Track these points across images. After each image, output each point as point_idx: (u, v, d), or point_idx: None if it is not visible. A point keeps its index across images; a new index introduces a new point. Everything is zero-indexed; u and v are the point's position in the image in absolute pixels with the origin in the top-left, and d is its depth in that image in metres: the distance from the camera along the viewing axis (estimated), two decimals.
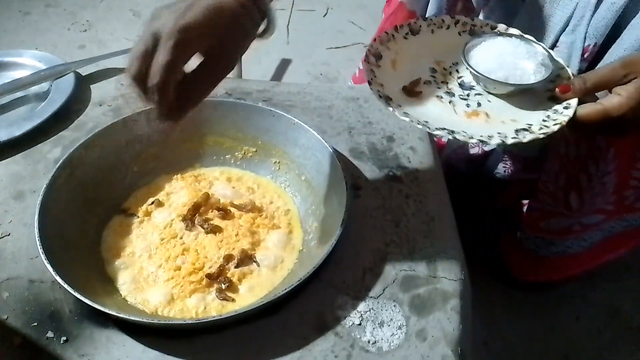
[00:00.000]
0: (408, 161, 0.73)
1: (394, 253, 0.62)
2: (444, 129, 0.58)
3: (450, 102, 0.63)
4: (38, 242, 0.55)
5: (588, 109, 0.57)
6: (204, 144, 0.74)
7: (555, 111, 0.60)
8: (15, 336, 0.54)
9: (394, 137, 0.76)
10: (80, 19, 1.78)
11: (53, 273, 0.52)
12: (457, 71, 0.67)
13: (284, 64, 1.66)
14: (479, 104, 0.63)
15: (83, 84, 0.84)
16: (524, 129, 0.59)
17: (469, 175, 0.97)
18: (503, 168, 0.91)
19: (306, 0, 1.90)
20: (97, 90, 0.83)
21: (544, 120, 0.59)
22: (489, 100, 0.64)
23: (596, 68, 0.68)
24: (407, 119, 0.58)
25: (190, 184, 0.71)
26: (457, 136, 0.57)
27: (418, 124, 0.58)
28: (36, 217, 0.57)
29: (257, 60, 1.62)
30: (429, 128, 0.58)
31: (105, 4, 1.86)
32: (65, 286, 0.51)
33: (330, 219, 0.63)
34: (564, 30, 0.74)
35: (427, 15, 0.87)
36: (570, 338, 1.01)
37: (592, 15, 0.69)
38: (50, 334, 0.53)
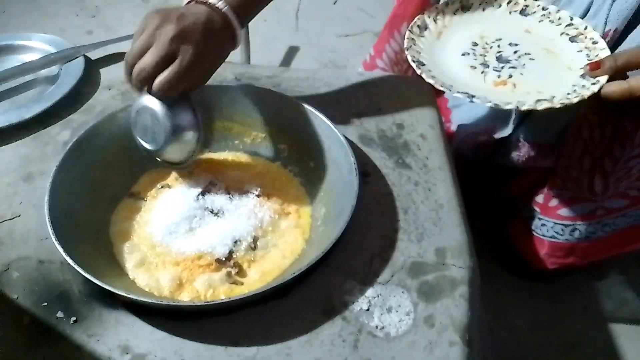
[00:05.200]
0: (418, 148, 0.72)
1: (403, 240, 0.62)
2: (466, 92, 0.61)
3: (482, 72, 0.67)
4: (48, 223, 0.55)
5: (614, 86, 0.59)
6: (212, 129, 0.74)
7: (583, 86, 0.62)
8: (25, 315, 0.54)
9: (404, 124, 0.76)
10: (89, 4, 1.78)
11: (63, 254, 0.52)
12: (499, 46, 0.71)
13: (292, 51, 1.65)
14: (510, 76, 0.66)
15: (92, 68, 0.84)
16: (545, 100, 0.61)
17: (478, 163, 0.96)
18: (517, 156, 0.90)
19: None
20: (106, 74, 0.83)
21: (568, 94, 0.61)
22: (521, 73, 0.67)
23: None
24: (432, 81, 0.62)
25: (199, 168, 0.70)
26: (475, 100, 0.60)
27: (442, 86, 0.62)
28: (46, 198, 0.57)
29: (265, 47, 1.62)
30: (450, 90, 0.61)
31: None
32: (76, 267, 0.51)
33: (338, 205, 0.63)
34: (584, 16, 0.74)
35: None
36: (577, 328, 1.01)
37: (613, 0, 0.69)
38: (60, 314, 0.54)
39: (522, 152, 0.90)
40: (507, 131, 0.91)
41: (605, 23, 0.71)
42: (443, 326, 0.54)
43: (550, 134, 0.87)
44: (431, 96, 0.81)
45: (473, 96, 0.60)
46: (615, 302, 1.05)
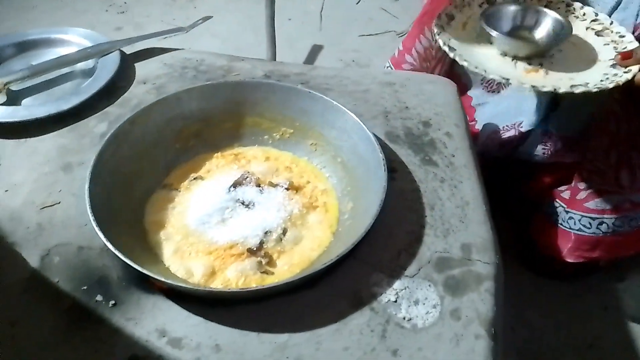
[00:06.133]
0: (444, 146, 0.73)
1: (429, 235, 0.63)
2: (500, 75, 0.63)
3: (512, 59, 0.69)
4: (89, 210, 0.57)
5: None
6: (243, 124, 0.76)
7: (615, 74, 0.64)
8: (65, 298, 0.56)
9: (430, 122, 0.77)
10: (118, 1, 1.81)
11: (104, 240, 0.54)
12: None
13: (316, 50, 1.67)
14: (540, 64, 0.68)
15: (127, 63, 0.86)
16: (581, 85, 0.63)
17: (501, 161, 0.97)
18: (542, 150, 0.91)
19: None
20: (141, 69, 0.86)
21: (601, 80, 0.63)
22: (551, 62, 0.69)
23: None
24: (465, 64, 0.64)
25: (230, 161, 0.73)
26: (512, 81, 0.62)
27: (476, 68, 0.64)
28: (87, 186, 0.59)
29: (289, 45, 1.63)
30: (485, 73, 0.63)
31: None
32: (117, 252, 0.53)
33: (365, 199, 0.64)
34: (616, 8, 0.75)
35: None
36: (597, 328, 1.01)
37: None
38: (99, 298, 0.56)
39: (547, 145, 0.90)
40: (533, 123, 0.91)
41: (637, 15, 0.71)
42: (469, 319, 0.55)
43: (575, 126, 0.87)
44: (456, 95, 0.82)
45: (507, 79, 0.61)
46: (636, 302, 1.05)
